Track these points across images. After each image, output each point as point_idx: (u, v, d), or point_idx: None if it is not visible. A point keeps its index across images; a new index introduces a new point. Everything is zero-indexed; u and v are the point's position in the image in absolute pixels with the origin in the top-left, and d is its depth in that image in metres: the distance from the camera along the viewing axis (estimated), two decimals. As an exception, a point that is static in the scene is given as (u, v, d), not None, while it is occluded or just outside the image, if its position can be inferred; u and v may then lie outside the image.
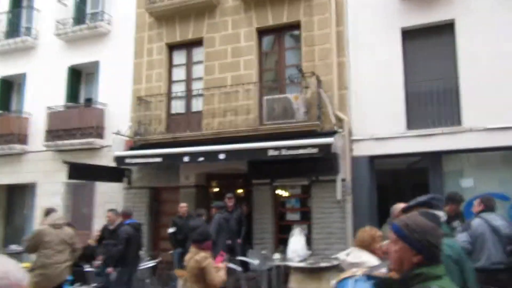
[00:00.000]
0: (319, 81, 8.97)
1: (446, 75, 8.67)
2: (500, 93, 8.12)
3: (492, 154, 8.48)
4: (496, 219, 4.98)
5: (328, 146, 8.01)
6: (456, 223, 5.61)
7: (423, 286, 1.70)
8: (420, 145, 8.49)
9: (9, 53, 12.98)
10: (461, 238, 4.89)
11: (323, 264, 7.12)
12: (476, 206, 5.22)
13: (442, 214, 2.63)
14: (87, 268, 7.94)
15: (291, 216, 9.71)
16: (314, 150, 8.04)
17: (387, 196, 13.06)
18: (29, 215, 12.40)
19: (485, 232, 4.85)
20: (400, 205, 3.67)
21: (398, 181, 12.21)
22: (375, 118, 8.84)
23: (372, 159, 8.93)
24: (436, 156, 8.61)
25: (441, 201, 2.70)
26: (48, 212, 6.22)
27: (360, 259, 3.36)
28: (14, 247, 9.80)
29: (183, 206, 8.85)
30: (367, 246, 3.49)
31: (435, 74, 8.76)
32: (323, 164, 8.74)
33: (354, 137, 8.97)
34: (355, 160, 8.84)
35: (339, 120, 8.87)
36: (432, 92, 8.69)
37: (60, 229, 5.76)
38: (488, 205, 5.14)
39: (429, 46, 8.98)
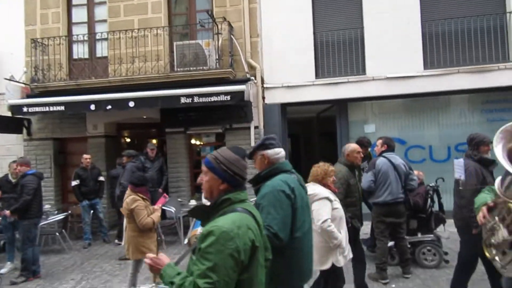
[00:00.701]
0: (230, 27, 8.78)
1: (352, 26, 8.99)
2: (401, 43, 8.65)
3: (392, 102, 9.16)
4: (396, 158, 5.52)
5: (240, 93, 8.03)
6: (364, 164, 6.08)
7: (230, 208, 1.94)
8: (328, 93, 8.88)
9: None
10: (367, 177, 5.38)
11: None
12: (379, 147, 5.69)
13: (279, 151, 2.86)
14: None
15: (206, 164, 9.75)
16: (227, 98, 8.02)
17: (298, 143, 13.77)
18: None
19: (387, 169, 5.37)
20: (351, 145, 4.81)
21: (308, 129, 12.82)
22: (286, 66, 8.99)
23: (284, 106, 9.17)
24: (343, 104, 9.09)
25: (274, 140, 2.91)
26: None
27: (313, 191, 3.69)
28: None
29: (86, 158, 8.50)
30: (321, 180, 3.86)
31: (342, 24, 9.03)
32: (236, 112, 8.81)
33: (266, 85, 9.08)
34: (267, 108, 9.02)
35: (251, 67, 8.87)
36: (339, 41, 9.00)
37: None
38: (390, 145, 5.64)
39: (338, -4, 9.17)
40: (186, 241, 4.24)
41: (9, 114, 9.06)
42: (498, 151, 2.71)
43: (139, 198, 4.77)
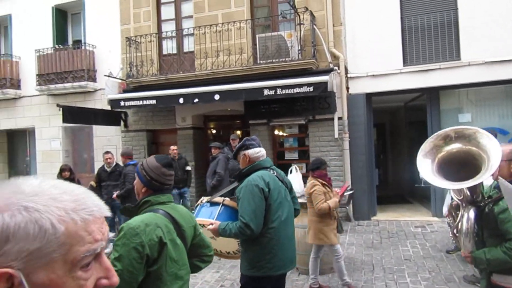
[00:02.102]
0: (313, 17, 8.60)
1: (445, 8, 8.29)
2: (499, 25, 7.82)
3: (491, 89, 8.37)
4: None
5: (323, 84, 7.88)
6: None
7: (149, 209, 2.23)
8: (417, 81, 8.35)
9: (-11, -8, 12.36)
10: None
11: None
12: None
13: (258, 150, 3.17)
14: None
15: (290, 155, 9.81)
16: (310, 89, 7.92)
17: (384, 133, 13.21)
18: (30, 159, 12.58)
19: None
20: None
21: (395, 118, 12.21)
22: (371, 54, 8.61)
23: (369, 96, 8.83)
24: (434, 92, 8.50)
25: (255, 141, 3.22)
26: None
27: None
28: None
29: (173, 149, 8.73)
30: None
31: (433, 6, 8.38)
32: (319, 103, 8.68)
33: (350, 75, 8.79)
34: (352, 98, 8.75)
35: (335, 57, 8.64)
36: (429, 26, 8.36)
37: None
38: None
39: (430, -25, 8.50)
40: None
41: (108, 108, 9.87)
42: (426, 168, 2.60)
43: (318, 183, 4.87)
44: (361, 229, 8.13)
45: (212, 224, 3.01)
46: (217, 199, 3.27)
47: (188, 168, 9.14)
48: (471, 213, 2.53)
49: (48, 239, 0.70)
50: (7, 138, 13.14)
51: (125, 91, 10.05)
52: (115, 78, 10.20)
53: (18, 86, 12.05)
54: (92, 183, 8.96)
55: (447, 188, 2.86)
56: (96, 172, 9.21)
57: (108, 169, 7.97)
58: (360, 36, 8.69)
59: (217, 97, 8.56)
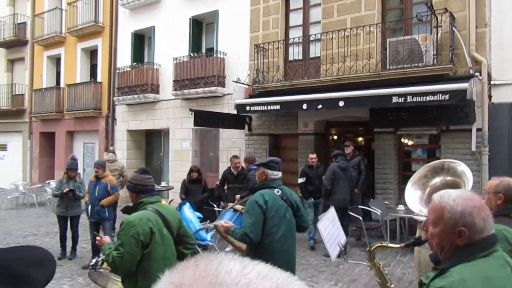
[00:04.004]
0: (452, 18, 7.93)
1: None
2: None
3: None
4: None
5: (462, 92, 7.17)
6: None
7: (143, 207, 3.11)
8: None
9: (139, 8, 13.94)
10: None
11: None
12: None
13: (277, 173, 3.67)
14: (216, 207, 8.65)
15: (417, 167, 9.15)
16: (445, 97, 7.28)
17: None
18: (164, 157, 13.83)
19: None
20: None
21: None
22: (521, 58, 7.62)
23: (516, 106, 7.82)
24: None
25: (277, 165, 3.72)
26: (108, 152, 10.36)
27: None
28: (157, 186, 11.09)
29: (312, 157, 8.23)
30: None
31: None
32: (454, 112, 7.96)
33: (493, 82, 7.90)
34: (494, 108, 7.85)
35: (476, 62, 7.84)
36: None
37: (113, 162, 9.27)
38: None
39: None
40: (212, 225, 4.88)
41: (235, 112, 10.36)
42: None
43: None
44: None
45: (224, 225, 3.63)
46: (237, 207, 3.97)
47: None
48: None
49: None
50: (145, 138, 14.65)
51: (251, 96, 10.44)
52: (242, 83, 10.67)
53: (157, 91, 13.36)
54: (218, 182, 9.49)
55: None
56: (221, 172, 9.76)
57: (235, 173, 8.33)
58: (508, 38, 7.77)
59: (341, 103, 8.38)
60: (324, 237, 3.32)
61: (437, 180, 2.88)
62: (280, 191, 3.65)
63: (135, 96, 13.36)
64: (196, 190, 8.45)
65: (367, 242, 7.77)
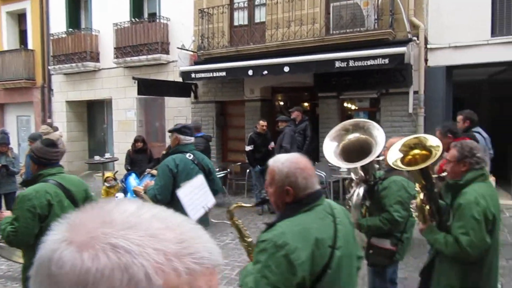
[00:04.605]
0: (392, -17, 8.13)
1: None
2: None
3: None
4: (482, 132, 5.06)
5: (400, 56, 7.47)
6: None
7: (43, 180, 2.99)
8: (506, 53, 7.67)
9: (72, -31, 13.01)
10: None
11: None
12: (461, 123, 5.08)
13: (189, 139, 3.87)
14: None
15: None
16: (385, 61, 7.55)
17: (463, 109, 12.36)
18: (108, 128, 13.35)
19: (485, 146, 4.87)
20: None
21: (476, 93, 11.37)
22: (455, 24, 8.00)
23: (449, 69, 8.28)
24: (525, 65, 7.78)
25: (189, 130, 3.91)
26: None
27: None
28: (97, 158, 10.69)
29: (263, 124, 8.27)
30: None
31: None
32: (393, 75, 8.28)
33: (430, 46, 8.27)
34: (430, 71, 8.25)
35: (414, 27, 8.14)
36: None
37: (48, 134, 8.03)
38: (473, 120, 5.11)
39: None
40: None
41: (180, 80, 10.13)
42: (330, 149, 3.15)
43: None
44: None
45: (143, 188, 3.85)
46: (154, 172, 4.10)
47: (273, 144, 8.46)
48: (361, 190, 3.18)
49: None
50: (87, 108, 14.01)
51: (196, 63, 10.23)
52: (187, 50, 10.41)
53: (97, 59, 12.72)
54: (164, 152, 9.33)
55: (342, 167, 3.61)
56: (168, 142, 9.57)
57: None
58: (443, 3, 8.10)
59: (286, 69, 8.44)
60: (184, 203, 3.38)
61: (351, 136, 3.15)
62: (192, 156, 3.86)
63: (73, 64, 12.64)
64: (141, 160, 8.28)
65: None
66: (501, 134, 9.49)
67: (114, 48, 11.83)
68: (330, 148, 3.19)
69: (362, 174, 3.22)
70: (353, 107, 9.56)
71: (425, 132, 8.21)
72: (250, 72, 8.87)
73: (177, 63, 10.50)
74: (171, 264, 0.51)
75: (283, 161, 1.83)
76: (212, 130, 10.64)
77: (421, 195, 2.70)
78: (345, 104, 9.48)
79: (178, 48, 10.30)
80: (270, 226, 1.76)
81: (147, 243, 0.51)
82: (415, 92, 8.22)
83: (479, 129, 5.10)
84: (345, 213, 1.96)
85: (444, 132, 4.53)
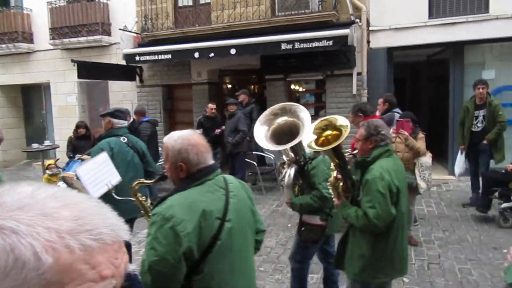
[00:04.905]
0: (335, -35, 8.22)
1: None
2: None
3: (517, 44, 8.05)
4: (401, 112, 5.47)
5: (344, 38, 7.63)
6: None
7: None
8: (443, 35, 8.05)
9: None
10: None
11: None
12: (381, 106, 5.48)
13: (122, 123, 4.01)
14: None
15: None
16: (329, 43, 7.69)
17: (404, 89, 12.93)
18: (47, 114, 12.65)
19: None
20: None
21: (417, 73, 11.90)
22: (395, 6, 8.27)
23: (390, 51, 8.57)
24: (459, 47, 8.21)
25: (123, 114, 4.04)
26: None
27: None
28: (36, 146, 10.11)
29: (212, 108, 8.28)
30: None
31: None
32: (338, 57, 8.46)
33: (371, 28, 8.50)
34: (372, 53, 8.50)
35: (357, 9, 8.32)
36: (460, -26, 7.97)
37: None
38: (392, 102, 5.50)
39: None
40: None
41: (123, 62, 9.75)
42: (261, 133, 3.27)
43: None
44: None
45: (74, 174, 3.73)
46: (85, 157, 4.22)
47: (224, 127, 8.34)
48: (292, 170, 3.31)
49: (26, 276, 0.48)
50: (21, 93, 13.15)
51: (140, 45, 9.88)
52: (130, 32, 10.01)
53: (30, 40, 11.93)
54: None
55: (272, 149, 3.74)
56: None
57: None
58: (384, -14, 8.31)
59: (233, 51, 8.37)
60: (83, 181, 3.33)
61: (280, 120, 3.28)
62: (126, 139, 3.99)
63: (3, 46, 11.79)
64: (84, 146, 7.92)
65: (262, 186, 8.18)
66: (439, 112, 10.05)
67: (50, 28, 11.13)
68: (261, 132, 3.29)
69: (292, 155, 3.33)
70: (300, 89, 9.68)
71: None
72: (197, 55, 8.70)
73: (119, 45, 10.07)
74: (63, 242, 0.51)
75: (176, 138, 1.88)
76: (159, 115, 10.40)
77: (335, 173, 2.86)
78: (292, 86, 9.59)
79: (120, 29, 9.88)
80: (162, 200, 1.80)
81: (38, 222, 0.51)
82: (359, 74, 8.45)
83: (398, 109, 5.51)
84: (244, 188, 2.02)
85: (355, 112, 4.86)
